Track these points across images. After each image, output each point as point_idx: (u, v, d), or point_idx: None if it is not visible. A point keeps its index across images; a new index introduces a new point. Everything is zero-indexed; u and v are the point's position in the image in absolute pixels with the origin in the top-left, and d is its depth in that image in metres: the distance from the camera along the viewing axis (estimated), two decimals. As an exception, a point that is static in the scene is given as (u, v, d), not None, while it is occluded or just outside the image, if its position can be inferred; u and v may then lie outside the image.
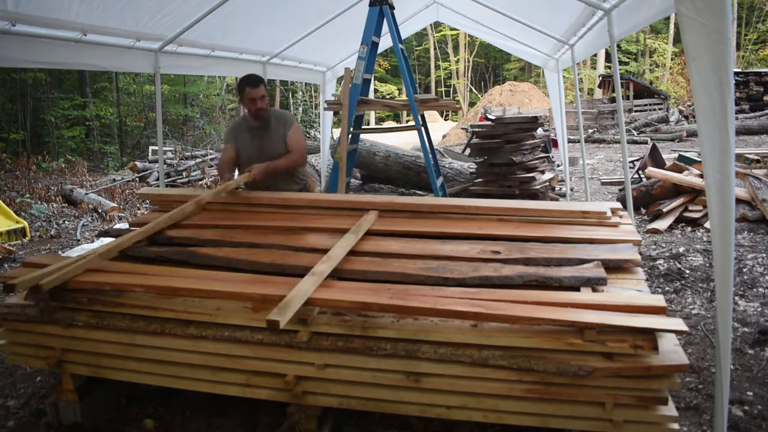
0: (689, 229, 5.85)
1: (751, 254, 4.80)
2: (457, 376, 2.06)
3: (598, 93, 23.83)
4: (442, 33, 33.20)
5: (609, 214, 2.99)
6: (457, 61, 33.85)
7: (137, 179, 10.63)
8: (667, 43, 29.84)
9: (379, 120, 32.48)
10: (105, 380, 2.61)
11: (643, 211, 6.55)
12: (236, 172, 3.66)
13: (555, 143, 9.62)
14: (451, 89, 35.98)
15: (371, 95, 12.97)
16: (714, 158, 1.69)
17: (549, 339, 1.95)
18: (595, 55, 24.98)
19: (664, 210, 6.11)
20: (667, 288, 4.24)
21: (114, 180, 10.74)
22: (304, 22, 5.87)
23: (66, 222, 7.44)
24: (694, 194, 6.23)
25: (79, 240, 6.47)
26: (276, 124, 3.56)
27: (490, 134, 6.24)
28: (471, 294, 2.16)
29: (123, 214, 7.67)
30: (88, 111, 16.67)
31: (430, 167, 4.88)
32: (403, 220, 3.11)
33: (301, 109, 21.49)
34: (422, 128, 4.92)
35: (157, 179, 9.75)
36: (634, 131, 16.58)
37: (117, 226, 6.93)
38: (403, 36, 6.20)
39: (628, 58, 31.63)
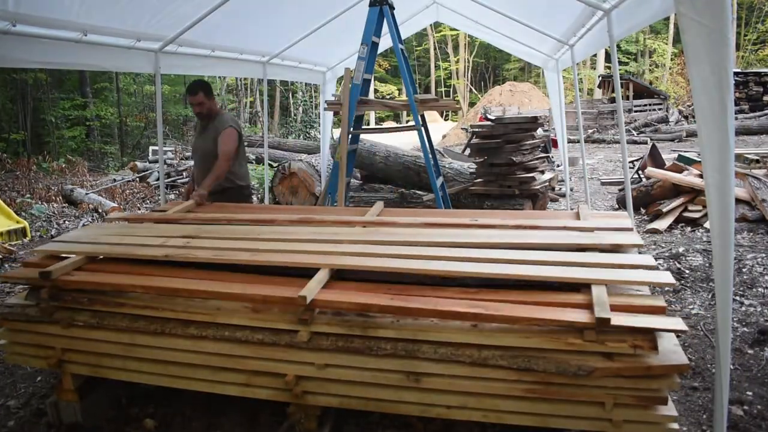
0: (689, 229, 5.85)
1: (750, 254, 4.80)
2: (457, 376, 2.06)
3: (598, 93, 23.84)
4: (442, 33, 33.17)
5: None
6: (457, 62, 33.82)
7: (137, 179, 10.63)
8: (666, 44, 29.84)
9: (379, 120, 32.48)
10: (105, 380, 2.61)
11: (643, 211, 6.56)
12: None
13: (555, 143, 9.62)
14: (451, 89, 35.96)
15: (371, 95, 12.96)
16: (713, 158, 1.69)
17: (549, 339, 1.95)
18: (595, 55, 24.96)
19: (664, 210, 6.12)
20: (666, 288, 4.25)
21: (114, 180, 10.74)
22: (304, 23, 5.86)
23: (66, 222, 7.44)
24: (694, 194, 6.23)
25: (79, 240, 6.46)
26: (214, 127, 4.01)
27: (490, 134, 6.23)
28: (471, 294, 2.17)
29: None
30: (89, 111, 16.67)
31: (430, 167, 4.88)
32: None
33: (301, 109, 21.47)
34: (422, 128, 4.92)
35: (158, 179, 9.75)
36: (633, 131, 16.58)
37: (117, 226, 6.92)
38: (403, 36, 6.19)
39: (628, 58, 31.62)
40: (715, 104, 1.65)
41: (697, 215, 5.95)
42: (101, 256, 2.71)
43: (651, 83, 26.56)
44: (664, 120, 17.84)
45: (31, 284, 2.52)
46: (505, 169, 6.11)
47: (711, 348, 3.22)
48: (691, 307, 3.87)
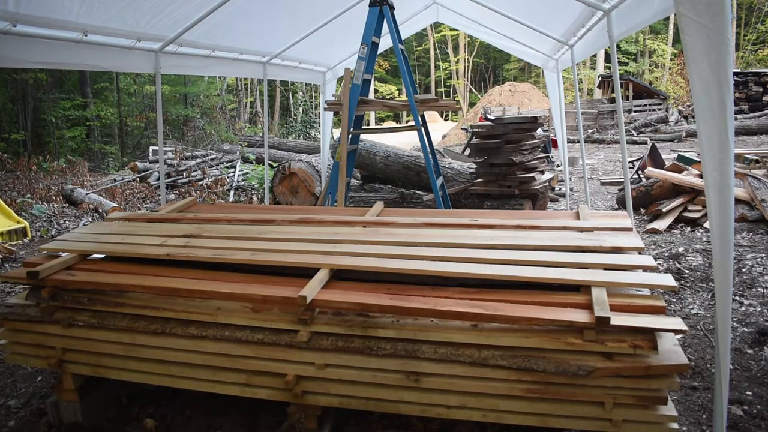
0: (688, 229, 5.85)
1: (750, 254, 4.80)
2: (456, 376, 2.06)
3: (598, 93, 23.84)
4: (442, 33, 33.18)
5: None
6: (457, 62, 33.83)
7: (138, 179, 10.63)
8: (666, 44, 29.84)
9: (379, 120, 32.48)
10: (106, 380, 2.62)
11: (643, 211, 6.56)
12: None
13: (555, 143, 9.63)
14: (451, 89, 35.96)
15: (371, 95, 12.97)
16: (713, 158, 1.69)
17: (549, 339, 1.95)
18: (595, 55, 24.98)
19: (664, 210, 6.12)
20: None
21: (115, 180, 10.74)
22: (304, 23, 5.87)
23: (67, 222, 7.45)
24: (694, 194, 6.24)
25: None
26: None
27: (490, 134, 6.24)
28: (471, 294, 2.17)
29: (123, 215, 7.66)
30: (89, 111, 16.66)
31: (430, 167, 4.88)
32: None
33: (301, 109, 21.49)
34: (422, 128, 4.92)
35: (158, 179, 9.75)
36: (633, 131, 16.58)
37: (117, 226, 6.92)
38: (403, 36, 6.20)
39: (628, 58, 31.62)
40: (715, 104, 1.65)
41: (696, 215, 5.95)
42: (97, 255, 2.72)
43: (651, 83, 26.58)
44: (664, 120, 17.84)
45: (30, 284, 2.52)
46: (504, 169, 6.12)
47: (711, 348, 3.22)
48: (690, 307, 3.88)
